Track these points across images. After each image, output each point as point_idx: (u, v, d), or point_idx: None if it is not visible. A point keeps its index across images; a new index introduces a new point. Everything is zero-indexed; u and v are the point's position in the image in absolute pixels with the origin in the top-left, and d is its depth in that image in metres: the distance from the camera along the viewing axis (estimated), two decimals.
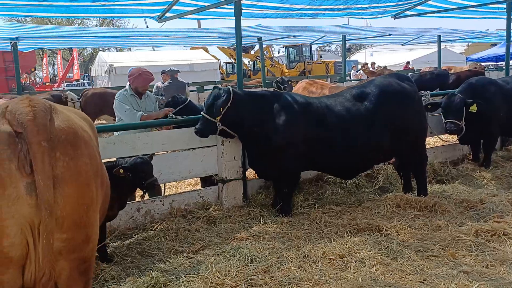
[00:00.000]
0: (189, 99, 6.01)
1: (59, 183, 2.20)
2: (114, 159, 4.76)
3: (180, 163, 5.33)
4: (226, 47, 24.65)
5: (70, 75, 35.09)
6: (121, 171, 4.15)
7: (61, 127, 2.25)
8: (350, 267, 3.94)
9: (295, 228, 4.85)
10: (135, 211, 5.12)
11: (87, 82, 33.76)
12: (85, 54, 46.46)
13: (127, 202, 5.22)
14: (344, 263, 4.03)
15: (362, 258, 4.07)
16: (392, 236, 4.52)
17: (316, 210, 5.19)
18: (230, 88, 5.30)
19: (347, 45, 37.95)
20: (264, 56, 28.84)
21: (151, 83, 6.10)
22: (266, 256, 4.13)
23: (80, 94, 12.67)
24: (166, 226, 4.98)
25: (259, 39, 15.95)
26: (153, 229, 4.99)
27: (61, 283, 2.38)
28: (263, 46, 28.61)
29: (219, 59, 34.50)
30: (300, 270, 3.91)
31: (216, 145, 5.49)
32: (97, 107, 12.22)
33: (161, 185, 5.78)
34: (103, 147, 4.80)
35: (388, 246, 4.26)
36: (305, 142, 5.06)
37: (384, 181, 6.38)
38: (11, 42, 12.23)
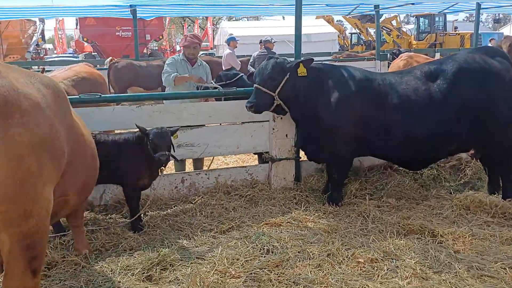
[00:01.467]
0: (241, 74, 5.68)
1: None
2: None
3: (228, 137, 5.07)
4: (350, 16, 23.38)
5: (206, 43, 36.63)
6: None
7: None
8: (377, 275, 3.35)
9: (337, 220, 4.31)
10: (179, 182, 5.02)
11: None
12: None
13: (172, 173, 5.21)
14: (373, 269, 3.44)
15: (397, 266, 3.44)
16: (446, 244, 3.76)
17: (368, 202, 4.55)
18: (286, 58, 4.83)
19: (497, 15, 33.28)
20: (391, 27, 26.96)
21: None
22: (287, 248, 3.72)
23: None
24: (205, 201, 4.80)
25: (376, 6, 14.69)
26: (192, 202, 4.85)
27: (4, 256, 2.32)
28: (391, 15, 26.72)
29: (345, 28, 33.07)
30: (318, 270, 3.43)
31: (268, 121, 5.10)
32: None
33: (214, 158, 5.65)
34: (149, 116, 4.79)
35: (435, 256, 3.54)
36: (360, 124, 4.40)
37: (472, 175, 5.40)
38: (130, 10, 13.07)
